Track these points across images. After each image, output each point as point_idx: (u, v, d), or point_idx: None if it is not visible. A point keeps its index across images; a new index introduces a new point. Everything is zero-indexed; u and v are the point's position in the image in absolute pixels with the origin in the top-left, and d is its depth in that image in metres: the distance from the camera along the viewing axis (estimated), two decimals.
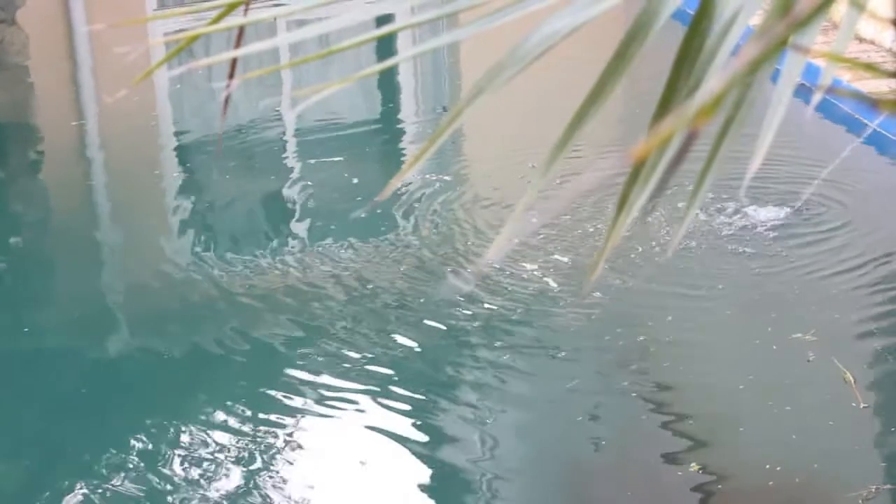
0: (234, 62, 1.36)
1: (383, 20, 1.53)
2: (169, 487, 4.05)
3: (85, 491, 4.05)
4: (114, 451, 4.25)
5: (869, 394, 4.44)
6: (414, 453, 4.22)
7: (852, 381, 4.45)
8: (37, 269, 6.13)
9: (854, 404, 4.36)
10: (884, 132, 6.84)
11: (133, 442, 4.30)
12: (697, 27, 1.23)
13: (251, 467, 4.13)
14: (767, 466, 4.03)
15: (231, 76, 1.40)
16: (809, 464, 4.06)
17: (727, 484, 4.00)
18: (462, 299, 5.23)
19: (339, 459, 4.24)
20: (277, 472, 4.10)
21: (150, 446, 4.27)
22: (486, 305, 5.18)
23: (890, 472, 4.07)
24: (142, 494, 4.02)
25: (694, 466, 4.04)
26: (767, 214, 5.97)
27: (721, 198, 6.01)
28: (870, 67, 0.89)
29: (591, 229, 5.83)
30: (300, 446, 4.26)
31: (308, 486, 4.06)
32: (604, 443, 4.24)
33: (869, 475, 4.01)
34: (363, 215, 6.26)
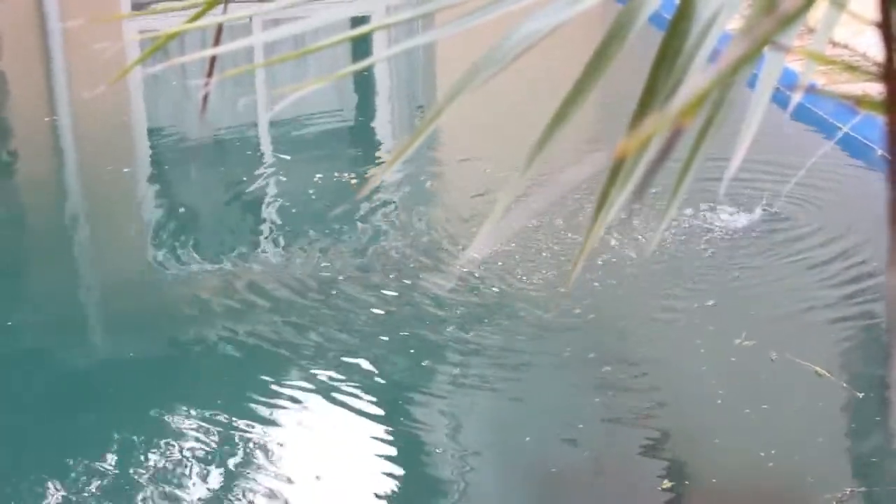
0: (212, 60, 1.35)
1: (359, 20, 1.52)
2: (127, 489, 4.03)
3: (54, 492, 4.03)
4: (82, 452, 4.22)
5: (839, 390, 4.47)
6: (373, 469, 4.18)
7: (826, 373, 4.47)
8: (7, 268, 6.09)
9: (827, 401, 4.39)
10: (858, 136, 6.87)
11: (97, 443, 4.28)
12: (677, 28, 1.23)
13: (205, 476, 4.08)
14: (744, 471, 4.04)
15: (210, 74, 1.39)
16: (786, 466, 4.07)
17: (704, 492, 3.99)
18: (433, 306, 5.20)
19: (294, 472, 4.17)
20: (231, 485, 4.05)
21: (112, 448, 4.25)
22: (456, 313, 5.15)
23: (865, 473, 4.09)
24: (102, 494, 4.00)
25: (672, 466, 4.05)
26: (729, 218, 5.99)
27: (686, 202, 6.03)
28: (852, 68, 0.89)
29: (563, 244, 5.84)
30: (256, 456, 4.21)
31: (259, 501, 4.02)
32: (576, 460, 4.21)
33: (844, 475, 4.03)
34: (339, 212, 6.25)
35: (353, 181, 6.88)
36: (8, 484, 4.11)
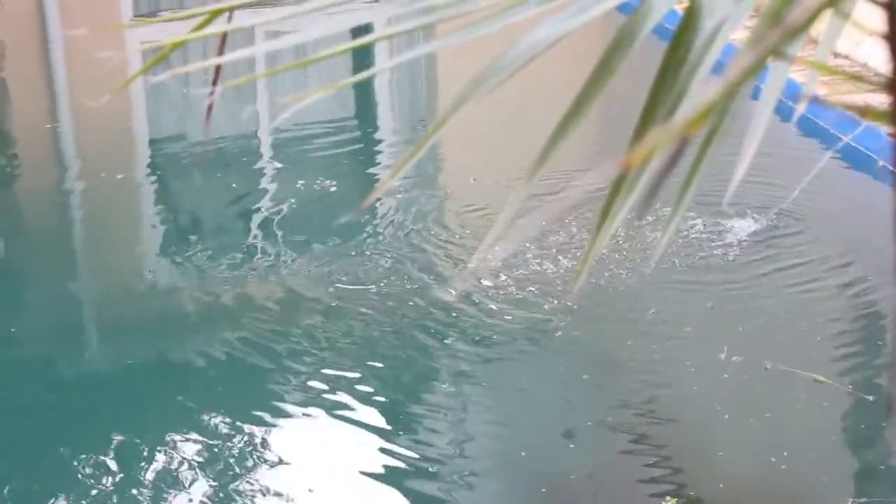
0: (217, 69, 1.35)
1: (361, 30, 1.53)
2: (122, 496, 4.02)
3: (53, 497, 4.03)
4: (81, 457, 4.22)
5: (838, 396, 4.47)
6: (365, 482, 4.14)
7: (826, 380, 4.47)
8: (8, 276, 6.10)
9: (827, 403, 4.39)
10: (860, 147, 6.87)
11: (97, 452, 4.27)
12: (681, 39, 1.24)
13: (198, 485, 4.07)
14: (746, 481, 4.03)
15: (214, 83, 1.40)
16: (788, 475, 4.05)
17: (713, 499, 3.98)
18: (435, 319, 5.17)
19: (287, 484, 4.12)
20: (224, 494, 4.03)
21: (113, 456, 4.24)
22: (457, 325, 5.13)
23: (866, 482, 4.09)
24: (100, 501, 4.00)
25: (671, 478, 4.03)
26: (725, 228, 5.98)
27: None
28: (857, 78, 0.89)
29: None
30: (250, 467, 4.18)
31: None
32: (577, 474, 4.17)
33: (846, 484, 4.03)
34: (343, 222, 6.25)
35: (332, 188, 6.91)
36: (9, 488, 4.11)
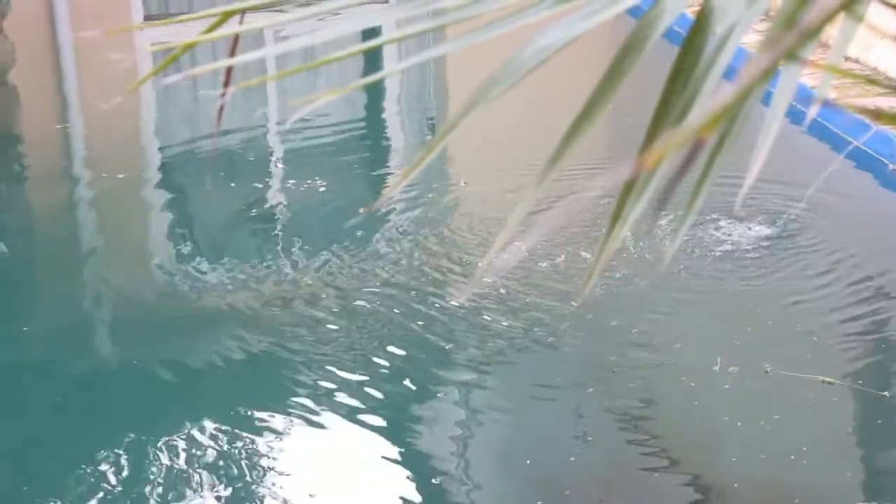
0: (229, 71, 1.36)
1: (370, 32, 1.52)
2: (121, 496, 4.03)
3: (57, 499, 4.04)
4: (87, 461, 4.23)
5: (840, 398, 4.47)
6: (366, 488, 4.13)
7: (833, 381, 4.47)
8: (18, 279, 6.11)
9: (837, 399, 4.39)
10: (872, 152, 6.85)
11: (102, 453, 4.28)
12: (692, 43, 1.23)
13: (197, 488, 4.07)
14: (751, 486, 4.02)
15: (226, 85, 1.40)
16: (792, 479, 4.05)
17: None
18: (437, 325, 5.15)
19: (288, 489, 4.10)
20: (225, 498, 4.04)
21: (118, 458, 4.24)
22: (465, 328, 5.12)
23: (872, 484, 4.08)
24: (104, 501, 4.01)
25: (682, 489, 4.03)
26: (731, 233, 5.97)
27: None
28: (871, 81, 0.89)
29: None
30: (252, 470, 4.18)
31: None
32: (572, 489, 4.13)
33: (851, 488, 4.02)
34: (352, 224, 6.26)
35: (322, 188, 6.91)
36: (13, 490, 4.11)
